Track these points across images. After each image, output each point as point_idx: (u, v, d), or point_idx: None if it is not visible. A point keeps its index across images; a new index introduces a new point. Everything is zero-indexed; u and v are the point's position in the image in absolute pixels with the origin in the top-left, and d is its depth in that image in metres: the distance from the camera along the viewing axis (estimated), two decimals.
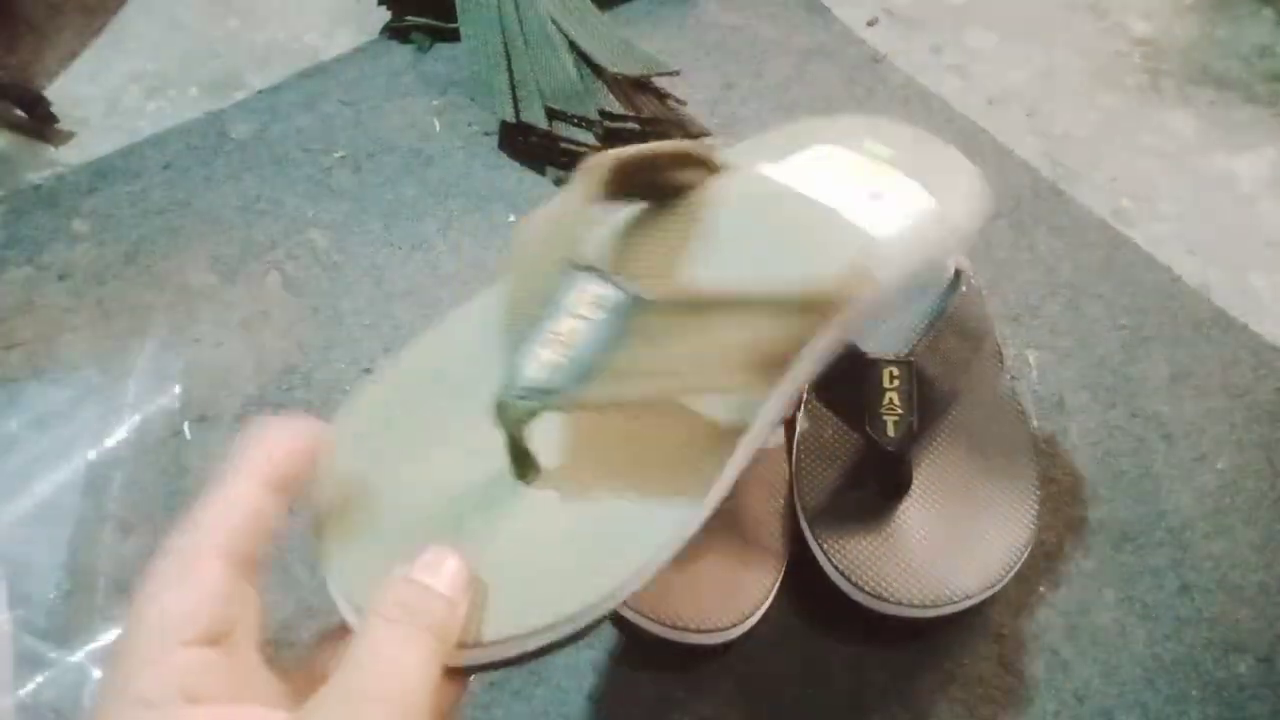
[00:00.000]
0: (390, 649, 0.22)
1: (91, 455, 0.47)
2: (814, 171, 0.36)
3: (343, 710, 0.21)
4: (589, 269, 0.28)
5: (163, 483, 0.48)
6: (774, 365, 0.29)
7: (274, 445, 0.26)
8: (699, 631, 0.40)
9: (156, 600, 0.22)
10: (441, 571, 0.24)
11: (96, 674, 0.39)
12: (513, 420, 0.26)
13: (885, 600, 0.41)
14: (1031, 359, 0.53)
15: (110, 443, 0.48)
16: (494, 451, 0.27)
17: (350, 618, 0.26)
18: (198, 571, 0.23)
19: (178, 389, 0.51)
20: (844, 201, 0.34)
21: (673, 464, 0.28)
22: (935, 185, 0.36)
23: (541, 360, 0.26)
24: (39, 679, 0.39)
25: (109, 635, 0.41)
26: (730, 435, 0.29)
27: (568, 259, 0.28)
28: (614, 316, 0.27)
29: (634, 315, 0.27)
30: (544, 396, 0.26)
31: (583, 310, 0.27)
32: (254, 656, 0.24)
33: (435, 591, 0.24)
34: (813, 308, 0.29)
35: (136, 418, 0.49)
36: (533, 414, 0.26)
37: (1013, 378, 0.52)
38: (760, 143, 0.39)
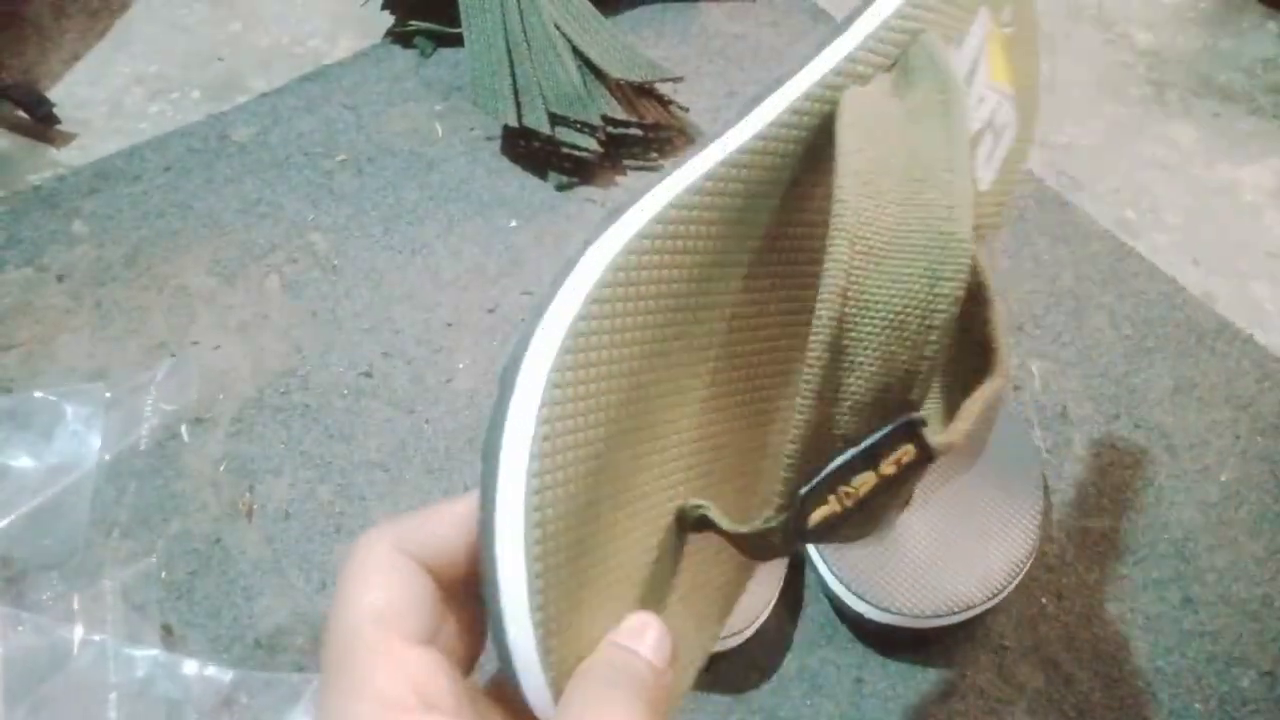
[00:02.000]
0: (610, 713, 0.21)
1: (100, 464, 0.47)
2: (974, 64, 0.30)
3: None
4: (912, 422, 0.23)
5: (159, 484, 0.48)
6: None
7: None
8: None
9: (360, 605, 0.21)
10: (646, 639, 0.23)
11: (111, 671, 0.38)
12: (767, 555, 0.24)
13: (886, 610, 0.41)
14: (1035, 369, 0.53)
15: (118, 453, 0.48)
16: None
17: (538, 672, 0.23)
18: (395, 568, 0.21)
19: (194, 395, 0.51)
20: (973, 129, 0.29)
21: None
22: (1022, 97, 0.31)
23: (821, 514, 0.23)
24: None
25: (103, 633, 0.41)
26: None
27: (909, 403, 0.23)
28: (906, 472, 0.23)
29: (920, 470, 0.23)
30: (811, 539, 0.23)
31: (883, 469, 0.23)
32: (463, 680, 0.22)
33: (644, 659, 0.22)
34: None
35: (145, 428, 0.49)
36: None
37: (1016, 387, 0.52)
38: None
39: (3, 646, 0.36)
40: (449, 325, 0.55)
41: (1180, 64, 0.70)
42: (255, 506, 0.48)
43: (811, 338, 0.23)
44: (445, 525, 0.22)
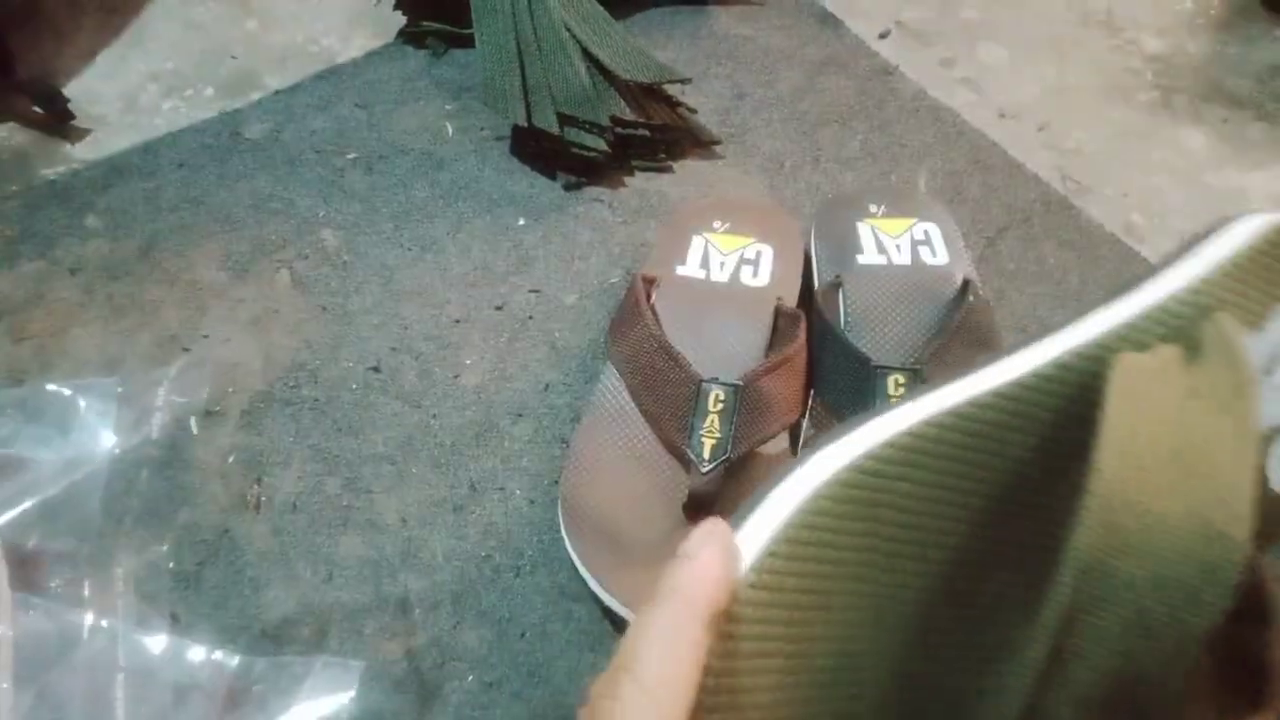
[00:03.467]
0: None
1: (112, 457, 0.47)
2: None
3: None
4: None
5: (169, 476, 0.48)
6: None
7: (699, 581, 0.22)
8: None
9: (662, 662, 0.20)
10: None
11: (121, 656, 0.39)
12: None
13: None
14: None
15: (130, 446, 0.48)
16: None
17: None
18: (691, 641, 0.21)
19: (206, 392, 0.51)
20: None
21: None
22: None
23: None
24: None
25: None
26: None
27: (1137, 714, 0.21)
28: None
29: None
30: None
31: None
32: None
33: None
34: None
35: (156, 423, 0.49)
36: None
37: None
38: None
39: (12, 630, 0.37)
40: (457, 322, 0.55)
41: (1189, 70, 0.71)
42: (263, 499, 0.48)
43: (1045, 609, 0.21)
44: (719, 592, 0.21)
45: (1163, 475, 0.21)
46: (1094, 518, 0.21)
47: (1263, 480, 0.24)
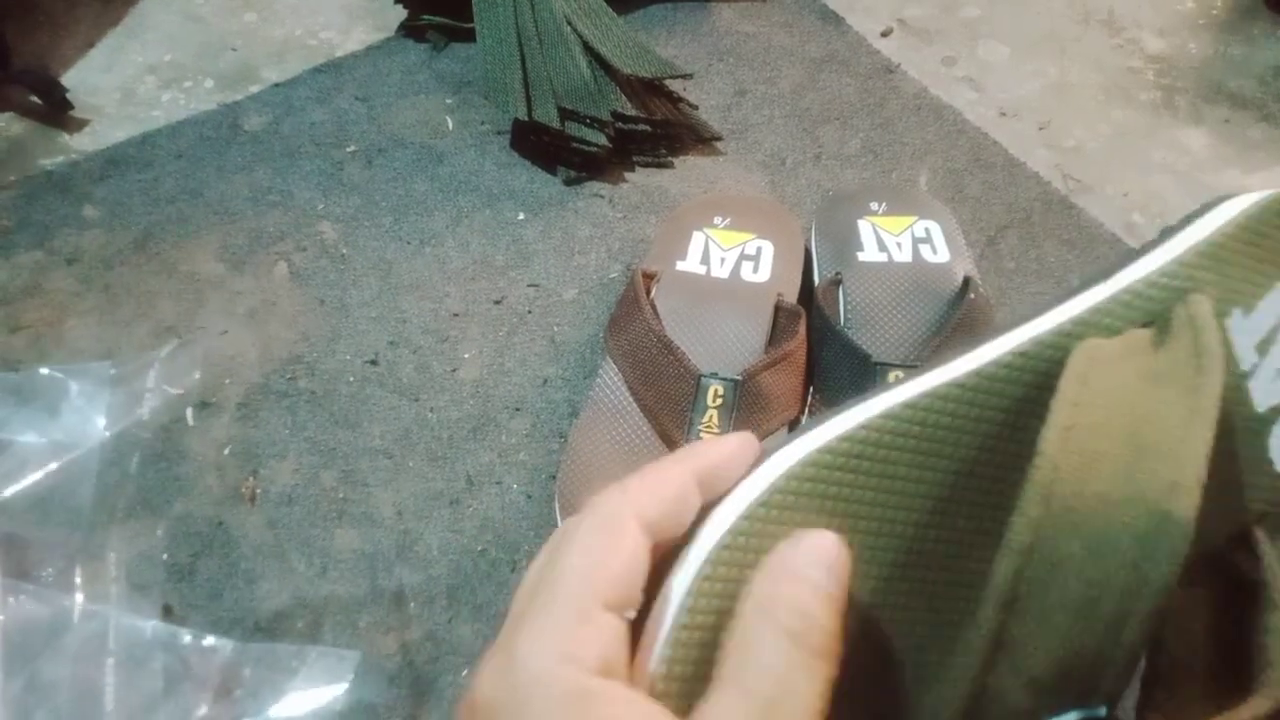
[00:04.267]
0: (782, 677, 0.19)
1: (103, 440, 0.47)
2: (1274, 331, 0.27)
3: None
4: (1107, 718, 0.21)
5: (163, 467, 0.48)
6: None
7: (715, 448, 0.23)
8: None
9: (583, 556, 0.21)
10: (833, 569, 0.21)
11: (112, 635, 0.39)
12: None
13: None
14: None
15: (121, 429, 0.48)
16: None
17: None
18: (624, 535, 0.21)
19: (198, 375, 0.51)
20: None
21: None
22: None
23: None
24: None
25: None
26: None
27: (1095, 690, 0.21)
28: None
29: None
30: None
31: None
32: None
33: (833, 596, 0.21)
34: None
35: (147, 406, 0.49)
36: None
37: None
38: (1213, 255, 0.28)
39: (2, 614, 0.36)
40: (455, 315, 0.55)
41: (1191, 70, 0.70)
42: (259, 491, 0.48)
43: (987, 590, 0.21)
44: (668, 491, 0.22)
45: (1111, 457, 0.21)
46: (1034, 499, 0.21)
47: (1265, 460, 0.24)
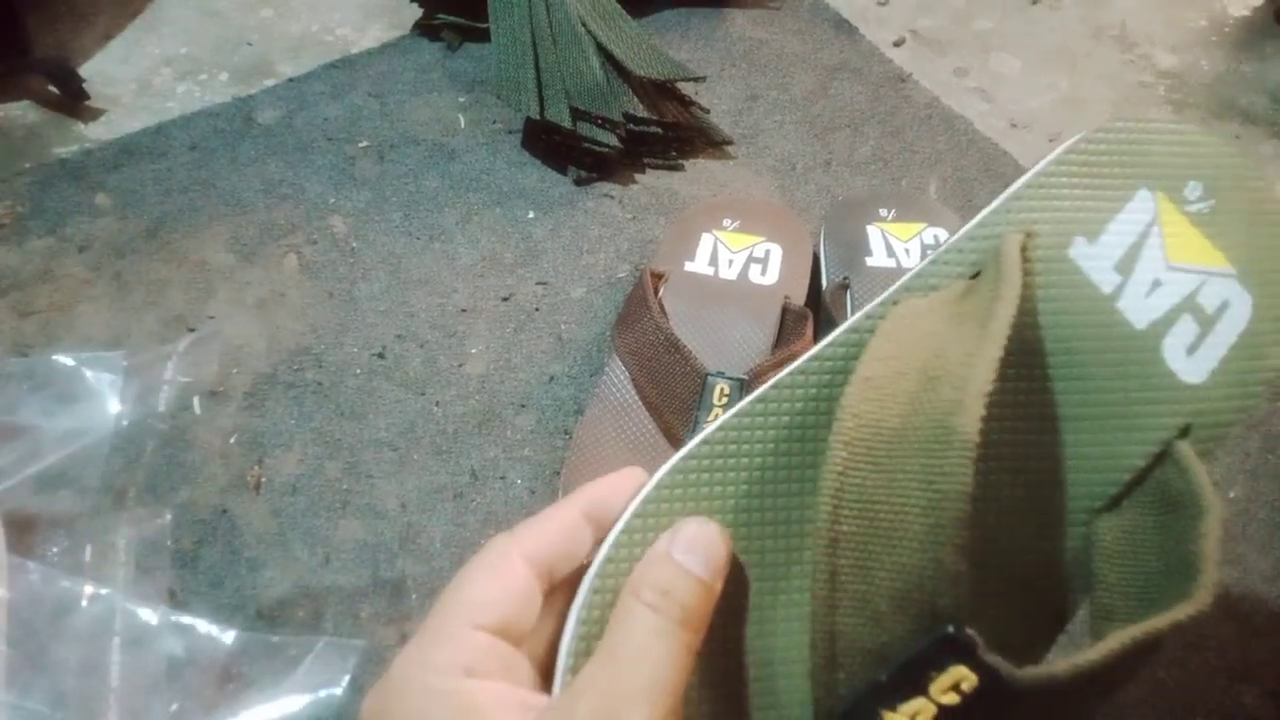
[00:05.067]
0: (640, 642, 0.22)
1: (117, 428, 0.47)
2: (1134, 250, 0.27)
3: (601, 704, 0.21)
4: (958, 639, 0.21)
5: (168, 455, 0.48)
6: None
7: (602, 484, 0.27)
8: None
9: (463, 588, 0.24)
10: (705, 552, 0.24)
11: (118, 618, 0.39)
12: None
13: None
14: None
15: (137, 419, 0.48)
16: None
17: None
18: (503, 568, 0.24)
19: (215, 368, 0.51)
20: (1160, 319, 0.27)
21: None
22: (1261, 270, 0.27)
23: None
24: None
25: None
26: None
27: (936, 612, 0.21)
28: (974, 703, 0.21)
29: (1000, 705, 0.21)
30: None
31: (939, 696, 0.20)
32: (529, 665, 0.25)
33: (695, 575, 0.24)
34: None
35: (163, 398, 0.49)
36: None
37: None
38: (1063, 184, 0.28)
39: (9, 593, 0.36)
40: (463, 311, 0.55)
41: (1202, 86, 0.71)
42: (264, 480, 0.48)
43: (810, 538, 0.23)
44: (554, 530, 0.25)
45: (903, 393, 0.23)
46: (837, 446, 0.23)
47: (1166, 374, 0.26)
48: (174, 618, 0.39)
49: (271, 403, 0.51)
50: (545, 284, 0.56)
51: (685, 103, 0.65)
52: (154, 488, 0.47)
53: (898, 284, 0.27)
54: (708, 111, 0.66)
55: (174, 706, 0.37)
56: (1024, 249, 0.26)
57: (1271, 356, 0.26)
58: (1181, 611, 0.21)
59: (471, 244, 0.58)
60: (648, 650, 0.22)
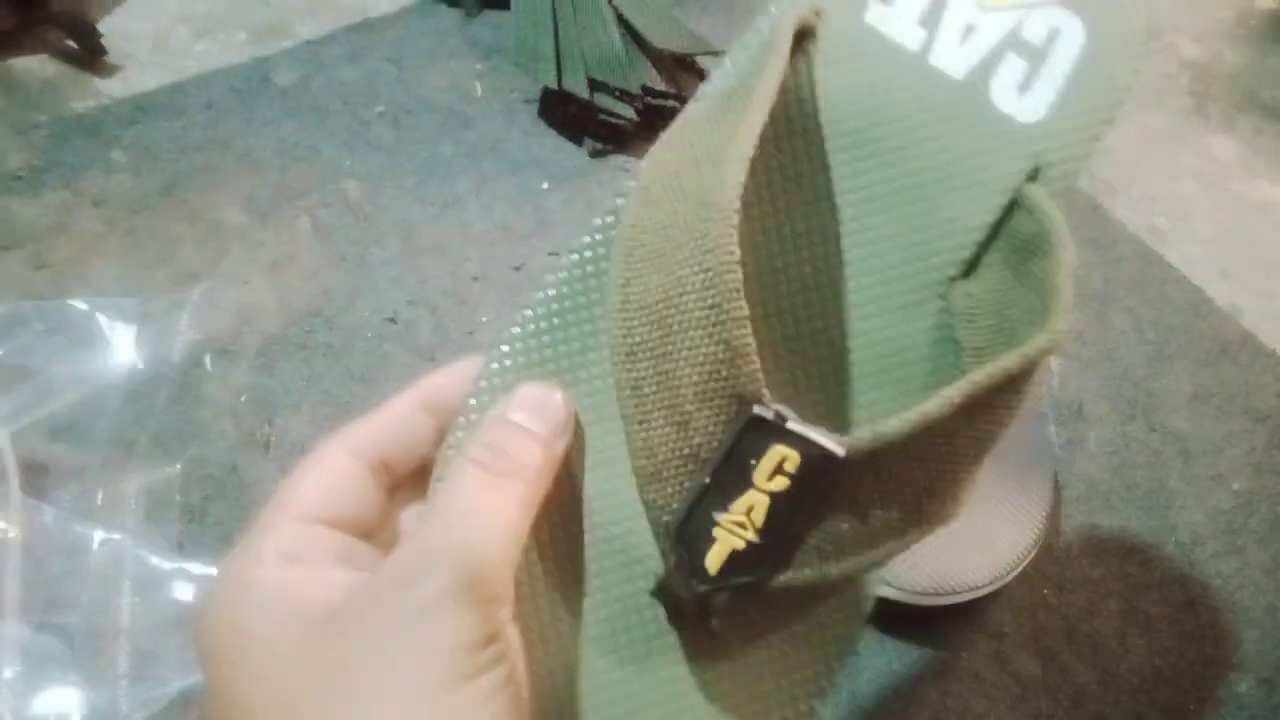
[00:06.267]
0: (467, 495, 0.22)
1: (131, 374, 0.48)
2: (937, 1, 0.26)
3: (414, 563, 0.21)
4: (765, 418, 0.20)
5: (179, 410, 0.48)
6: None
7: (440, 373, 0.26)
8: None
9: (283, 489, 0.24)
10: (542, 411, 0.23)
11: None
12: (693, 606, 0.22)
13: (887, 584, 0.41)
14: (1054, 365, 0.53)
15: (148, 365, 0.49)
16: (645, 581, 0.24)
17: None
18: (321, 460, 0.24)
19: (227, 323, 0.51)
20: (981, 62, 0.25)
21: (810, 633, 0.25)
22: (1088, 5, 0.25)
23: (718, 551, 0.21)
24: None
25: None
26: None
27: (737, 395, 0.20)
28: (803, 482, 0.20)
29: (832, 478, 0.20)
30: (726, 587, 0.21)
31: (765, 484, 0.20)
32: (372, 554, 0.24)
33: (530, 431, 0.23)
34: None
35: (176, 348, 0.49)
36: (711, 600, 0.22)
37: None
38: None
39: (23, 534, 0.37)
40: (475, 279, 0.55)
41: (1225, 78, 0.70)
42: (273, 439, 0.48)
43: (614, 360, 0.22)
44: (384, 422, 0.25)
45: (667, 187, 0.22)
46: (617, 259, 0.22)
47: (1001, 119, 0.24)
48: (184, 565, 0.39)
49: (282, 363, 0.51)
50: (557, 254, 0.57)
51: (703, 76, 0.65)
52: (164, 441, 0.47)
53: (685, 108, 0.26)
54: None
55: (182, 649, 0.38)
56: (808, 28, 0.25)
57: (1118, 74, 0.25)
58: (1032, 346, 0.20)
59: (485, 212, 0.58)
60: (470, 509, 0.22)
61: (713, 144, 0.23)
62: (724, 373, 0.20)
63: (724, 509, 0.20)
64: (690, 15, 0.70)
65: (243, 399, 0.49)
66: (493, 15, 0.69)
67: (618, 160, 0.62)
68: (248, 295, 0.53)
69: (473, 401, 0.25)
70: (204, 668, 0.21)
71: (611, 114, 0.60)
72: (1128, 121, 0.67)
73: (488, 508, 0.22)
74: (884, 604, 0.42)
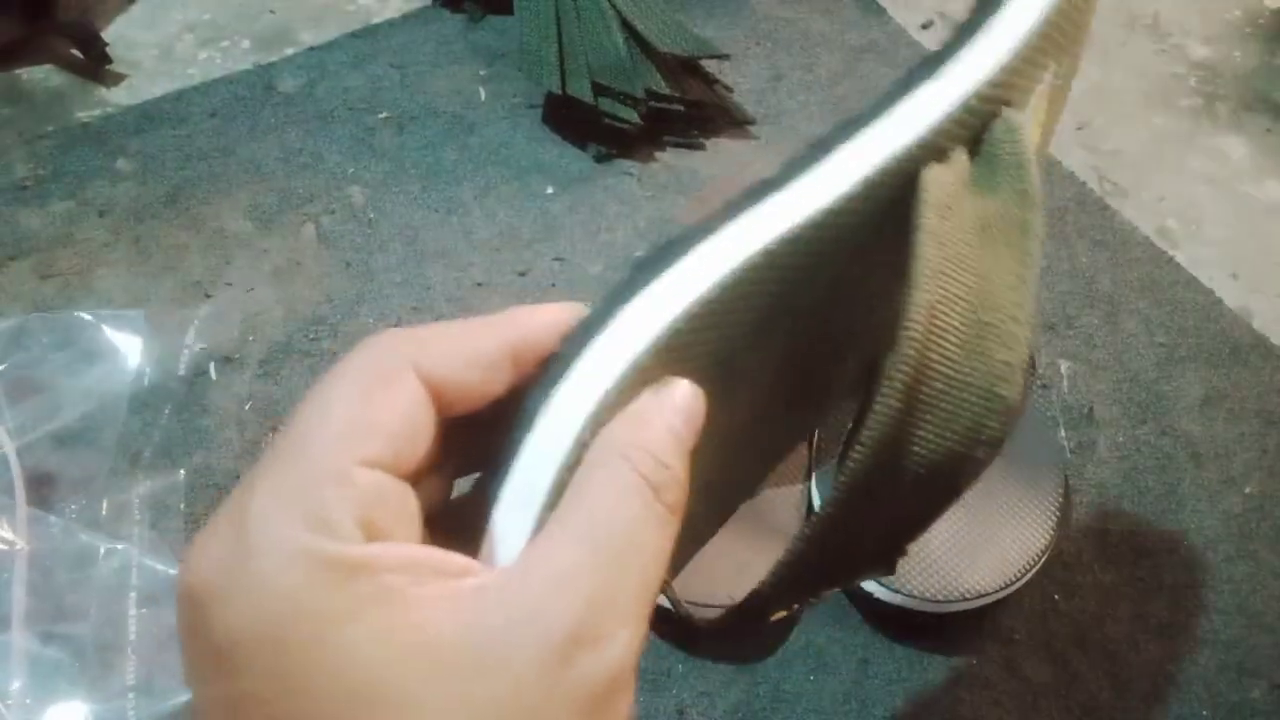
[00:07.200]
0: (633, 531, 0.17)
1: (137, 388, 0.48)
2: None
3: (584, 608, 0.16)
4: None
5: (184, 419, 0.48)
6: None
7: (538, 315, 0.20)
8: (707, 606, 0.40)
9: (330, 409, 0.17)
10: (692, 420, 0.19)
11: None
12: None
13: (896, 591, 0.41)
14: (1063, 369, 0.53)
15: (154, 379, 0.49)
16: None
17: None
18: (398, 385, 0.18)
19: (235, 334, 0.51)
20: None
21: None
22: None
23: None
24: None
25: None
26: None
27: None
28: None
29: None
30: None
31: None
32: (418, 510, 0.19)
33: (685, 451, 0.19)
34: None
35: (183, 362, 0.49)
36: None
37: (1044, 386, 0.52)
38: None
39: (30, 544, 0.37)
40: (479, 285, 0.55)
41: (1235, 78, 0.69)
42: None
43: (839, 479, 0.22)
44: (470, 354, 0.19)
45: (961, 334, 0.21)
46: (901, 384, 0.20)
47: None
48: None
49: (287, 371, 0.51)
50: (562, 260, 0.56)
51: (709, 80, 0.64)
52: (169, 450, 0.47)
53: (910, 130, 0.22)
54: (731, 90, 0.65)
55: None
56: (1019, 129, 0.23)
57: None
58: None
59: (489, 218, 0.58)
60: (639, 538, 0.17)
61: (993, 296, 0.22)
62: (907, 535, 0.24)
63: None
64: (695, 19, 0.70)
65: (247, 407, 0.49)
66: (496, 21, 0.69)
67: (623, 165, 0.61)
68: (252, 303, 0.53)
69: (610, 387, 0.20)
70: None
71: (616, 118, 0.60)
72: (1136, 123, 0.66)
73: (656, 550, 0.18)
74: (893, 611, 0.42)
